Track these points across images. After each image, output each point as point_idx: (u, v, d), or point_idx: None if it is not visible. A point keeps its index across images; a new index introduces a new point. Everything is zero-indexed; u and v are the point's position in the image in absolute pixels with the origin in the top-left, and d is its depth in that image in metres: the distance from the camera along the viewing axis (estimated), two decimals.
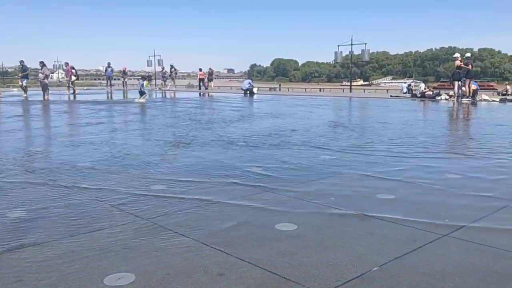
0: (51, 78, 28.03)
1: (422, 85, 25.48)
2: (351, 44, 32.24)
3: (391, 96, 24.88)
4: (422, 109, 17.19)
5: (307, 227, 3.40)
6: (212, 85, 35.09)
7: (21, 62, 24.01)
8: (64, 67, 27.84)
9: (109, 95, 26.86)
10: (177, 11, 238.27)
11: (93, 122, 11.40)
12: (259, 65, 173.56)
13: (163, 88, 33.81)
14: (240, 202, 4.06)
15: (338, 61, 38.20)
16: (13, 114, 13.93)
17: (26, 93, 23.44)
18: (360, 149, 7.05)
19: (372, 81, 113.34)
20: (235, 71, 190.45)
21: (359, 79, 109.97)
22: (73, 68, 28.00)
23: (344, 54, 35.55)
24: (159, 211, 3.81)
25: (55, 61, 52.94)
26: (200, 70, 36.26)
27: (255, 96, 25.55)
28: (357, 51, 37.58)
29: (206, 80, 35.03)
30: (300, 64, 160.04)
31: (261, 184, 4.74)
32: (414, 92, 24.82)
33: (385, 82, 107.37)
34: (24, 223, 3.52)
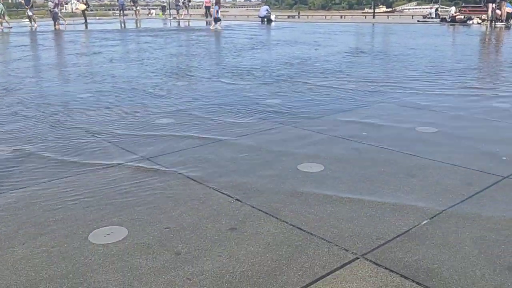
0: (65, 10, 26.94)
1: (453, 8, 23.65)
2: None
3: (418, 21, 23.28)
4: (453, 34, 15.95)
5: (336, 169, 2.84)
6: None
7: None
8: None
9: (122, 24, 25.82)
10: None
11: (96, 51, 10.77)
12: None
13: (177, 17, 32.56)
14: (256, 139, 3.51)
15: None
16: (20, 44, 13.31)
17: (36, 23, 22.62)
18: (392, 78, 6.35)
19: (396, 8, 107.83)
20: (252, 0, 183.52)
21: (381, 6, 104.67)
22: None
23: None
24: (162, 148, 3.29)
25: None
26: None
27: (272, 24, 24.27)
28: None
29: (212, 8, 33.08)
30: None
31: (279, 118, 4.16)
32: (443, 16, 23.15)
33: (409, 8, 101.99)
34: (7, 162, 3.05)
